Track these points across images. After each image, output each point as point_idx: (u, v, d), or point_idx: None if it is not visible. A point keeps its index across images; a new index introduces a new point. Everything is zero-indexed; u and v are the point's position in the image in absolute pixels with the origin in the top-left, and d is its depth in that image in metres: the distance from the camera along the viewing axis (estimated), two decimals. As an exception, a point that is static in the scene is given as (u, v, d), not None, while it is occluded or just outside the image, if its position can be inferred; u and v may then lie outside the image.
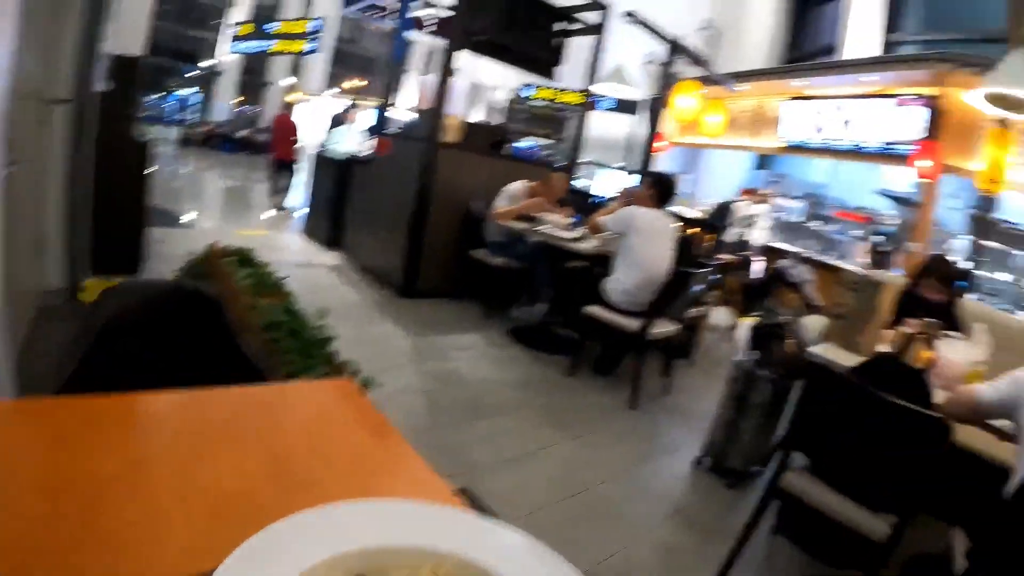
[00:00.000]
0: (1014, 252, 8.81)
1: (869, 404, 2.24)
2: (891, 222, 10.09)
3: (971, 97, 7.72)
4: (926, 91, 8.23)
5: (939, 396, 2.44)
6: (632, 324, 4.19)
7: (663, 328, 4.35)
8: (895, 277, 4.07)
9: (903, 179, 10.19)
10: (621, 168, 13.03)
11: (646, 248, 4.34)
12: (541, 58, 6.45)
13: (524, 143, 14.87)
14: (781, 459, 2.48)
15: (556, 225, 5.00)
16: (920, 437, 2.17)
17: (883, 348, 3.02)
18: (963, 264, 8.57)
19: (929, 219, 8.41)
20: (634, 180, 12.76)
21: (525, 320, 5.36)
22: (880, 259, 9.60)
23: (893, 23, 11.58)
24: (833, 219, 11.18)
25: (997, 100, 3.70)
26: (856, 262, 9.55)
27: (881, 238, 9.90)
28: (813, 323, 3.51)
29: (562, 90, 14.86)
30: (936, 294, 3.56)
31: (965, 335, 3.06)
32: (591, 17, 6.55)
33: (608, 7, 6.49)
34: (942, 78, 7.93)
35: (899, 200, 10.48)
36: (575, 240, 4.77)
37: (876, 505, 2.31)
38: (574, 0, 6.47)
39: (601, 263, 4.59)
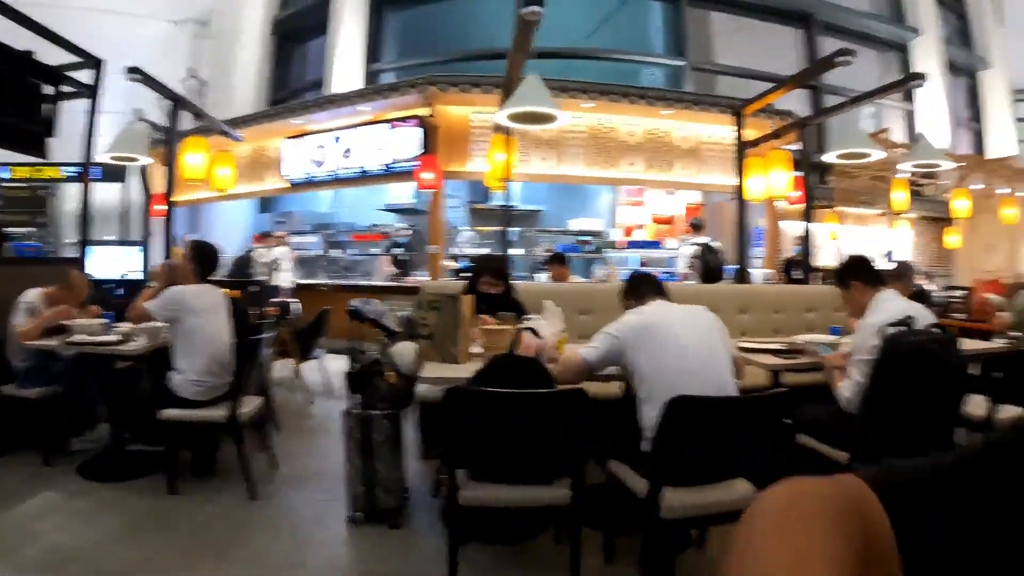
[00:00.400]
0: (510, 229, 10.58)
1: (506, 404, 2.55)
2: (404, 232, 11.06)
3: (460, 111, 9.36)
4: (418, 112, 9.42)
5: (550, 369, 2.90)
6: (218, 413, 3.97)
7: (250, 405, 4.22)
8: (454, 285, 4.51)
9: (406, 191, 11.33)
10: (120, 242, 12.02)
11: (205, 327, 4.07)
12: (29, 131, 5.37)
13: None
14: (449, 481, 2.66)
15: (89, 331, 4.33)
16: (563, 410, 2.59)
17: (478, 350, 3.40)
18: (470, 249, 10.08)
19: (440, 222, 9.57)
20: (136, 253, 11.84)
21: (93, 451, 4.64)
22: (402, 267, 10.54)
23: (374, 54, 12.66)
24: (350, 243, 11.87)
25: (516, 118, 4.40)
26: (384, 274, 10.32)
27: (400, 249, 10.81)
28: (405, 350, 3.73)
29: (43, 165, 12.99)
30: (493, 288, 4.08)
31: (540, 314, 3.57)
32: (84, 77, 5.86)
33: (104, 62, 5.90)
34: (432, 98, 9.17)
35: (405, 211, 11.60)
36: (120, 343, 4.23)
37: (549, 478, 2.69)
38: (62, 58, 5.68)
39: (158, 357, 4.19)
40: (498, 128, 6.98)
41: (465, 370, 2.95)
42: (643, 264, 10.61)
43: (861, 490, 0.55)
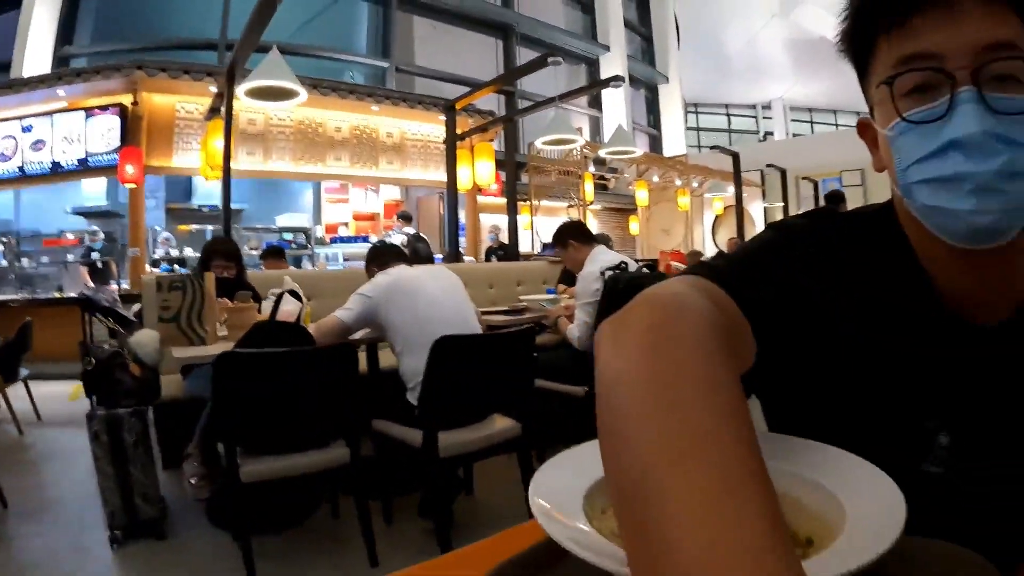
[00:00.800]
0: (210, 228, 10.62)
1: (277, 366, 2.59)
2: (99, 236, 10.14)
3: (165, 100, 8.91)
4: (120, 99, 8.74)
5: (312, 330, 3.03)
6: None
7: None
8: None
9: (97, 191, 10.48)
10: None
11: None
12: None
13: None
14: (229, 460, 2.59)
15: None
16: (336, 365, 2.72)
17: (223, 332, 3.40)
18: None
19: (142, 222, 9.04)
20: None
21: None
22: (101, 275, 9.63)
23: (66, 37, 11.43)
24: (39, 252, 10.73)
25: (256, 94, 4.63)
26: (81, 286, 9.37)
27: (96, 254, 9.88)
28: (145, 338, 3.51)
29: None
30: (226, 271, 4.06)
31: (281, 288, 3.59)
32: None
33: None
34: (137, 84, 8.55)
35: (97, 214, 10.71)
36: None
37: (325, 441, 2.80)
38: None
39: None
40: (212, 114, 6.81)
41: (216, 350, 2.81)
42: (347, 259, 11.14)
43: (708, 284, 0.63)
